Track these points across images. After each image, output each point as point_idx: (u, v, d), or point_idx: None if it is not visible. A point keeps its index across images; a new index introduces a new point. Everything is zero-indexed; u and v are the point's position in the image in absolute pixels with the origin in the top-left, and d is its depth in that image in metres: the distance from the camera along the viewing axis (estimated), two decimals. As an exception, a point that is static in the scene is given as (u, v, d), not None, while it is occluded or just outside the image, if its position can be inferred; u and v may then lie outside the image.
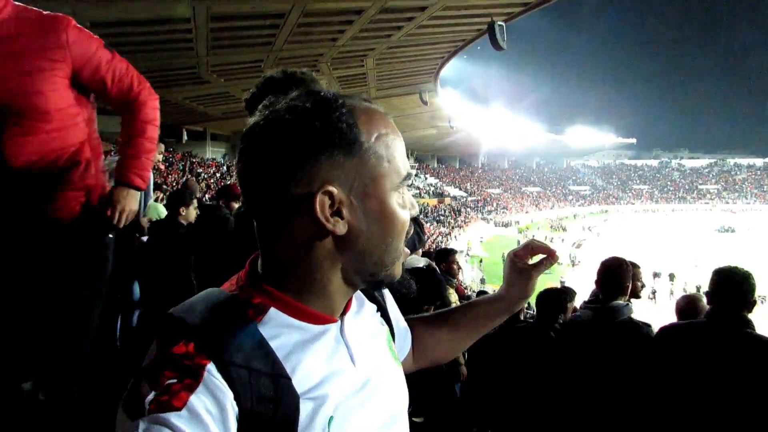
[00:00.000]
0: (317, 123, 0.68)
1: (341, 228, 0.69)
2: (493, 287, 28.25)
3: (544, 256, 1.04)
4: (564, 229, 59.70)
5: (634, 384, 2.70)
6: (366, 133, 0.70)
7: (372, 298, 0.92)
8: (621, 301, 2.90)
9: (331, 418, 0.67)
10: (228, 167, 35.49)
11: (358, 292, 0.87)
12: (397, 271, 0.77)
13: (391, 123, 0.75)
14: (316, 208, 0.67)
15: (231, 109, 29.00)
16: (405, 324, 1.06)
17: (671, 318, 3.36)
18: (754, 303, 2.47)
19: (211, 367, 0.61)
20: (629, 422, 2.70)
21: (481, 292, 7.70)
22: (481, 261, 39.38)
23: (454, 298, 4.66)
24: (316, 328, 0.73)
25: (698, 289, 28.22)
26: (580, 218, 72.96)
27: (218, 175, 32.68)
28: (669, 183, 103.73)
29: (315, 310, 0.73)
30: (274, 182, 0.69)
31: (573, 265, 40.08)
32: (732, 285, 2.47)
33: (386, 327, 0.91)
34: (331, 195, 0.68)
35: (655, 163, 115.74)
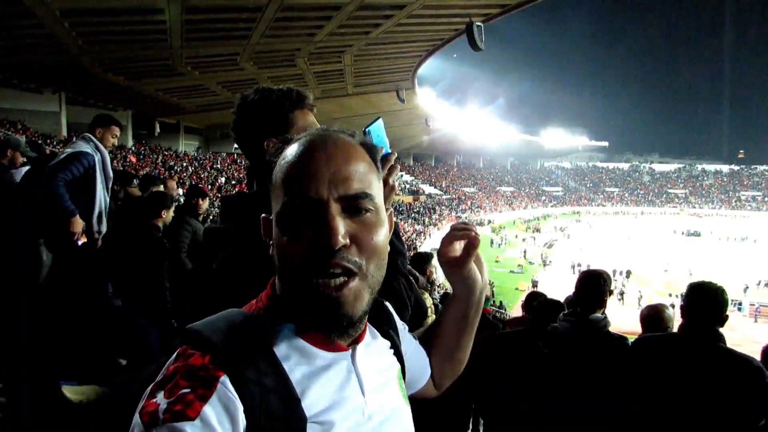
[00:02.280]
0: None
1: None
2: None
3: (466, 241, 0.98)
4: (538, 231, 60.48)
5: (612, 395, 2.74)
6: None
7: (386, 335, 0.91)
8: (599, 315, 2.93)
9: None
10: (201, 161, 34.98)
11: (372, 327, 0.86)
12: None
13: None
14: None
15: (205, 102, 28.63)
16: (424, 352, 1.06)
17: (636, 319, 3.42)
18: (726, 318, 2.52)
19: (225, 379, 0.62)
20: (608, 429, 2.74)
21: (445, 295, 7.71)
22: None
23: (429, 302, 4.67)
24: (328, 355, 0.73)
25: (670, 295, 29.04)
26: (552, 219, 74.04)
27: (191, 169, 32.18)
28: (639, 186, 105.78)
29: (326, 336, 0.74)
30: None
31: (544, 265, 40.67)
32: (705, 300, 2.51)
33: (398, 364, 0.90)
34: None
35: (626, 166, 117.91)
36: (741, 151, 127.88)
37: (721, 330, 2.54)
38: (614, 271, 35.07)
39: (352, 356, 0.76)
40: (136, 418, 0.60)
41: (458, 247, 0.99)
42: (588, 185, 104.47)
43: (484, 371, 3.10)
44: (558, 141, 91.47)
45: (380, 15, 16.24)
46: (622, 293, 30.61)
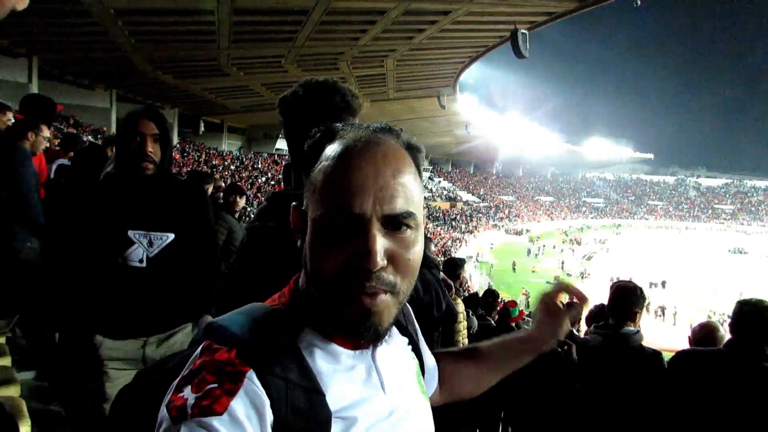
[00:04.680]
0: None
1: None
2: (500, 294, 28.06)
3: (575, 299, 1.02)
4: (578, 243, 59.24)
5: (645, 411, 2.67)
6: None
7: (404, 331, 0.91)
8: (632, 327, 2.88)
9: None
10: (242, 160, 35.65)
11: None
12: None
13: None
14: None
15: (249, 103, 29.19)
16: (434, 361, 1.05)
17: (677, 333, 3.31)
18: None
19: (251, 374, 0.63)
20: None
21: (489, 291, 7.53)
22: (491, 267, 39.21)
23: (461, 307, 4.64)
24: (349, 352, 0.74)
25: (713, 314, 28.00)
26: (592, 230, 72.44)
27: (233, 167, 32.85)
28: (684, 200, 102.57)
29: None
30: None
31: (582, 278, 39.79)
32: (755, 317, 2.44)
33: (416, 361, 0.91)
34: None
35: (671, 179, 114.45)
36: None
37: None
38: (650, 284, 34.60)
39: (373, 353, 0.76)
40: (163, 411, 0.61)
41: (563, 298, 1.03)
42: (631, 198, 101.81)
43: (514, 379, 3.06)
44: (601, 152, 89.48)
45: (424, 20, 16.25)
46: (663, 309, 29.66)
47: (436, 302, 1.38)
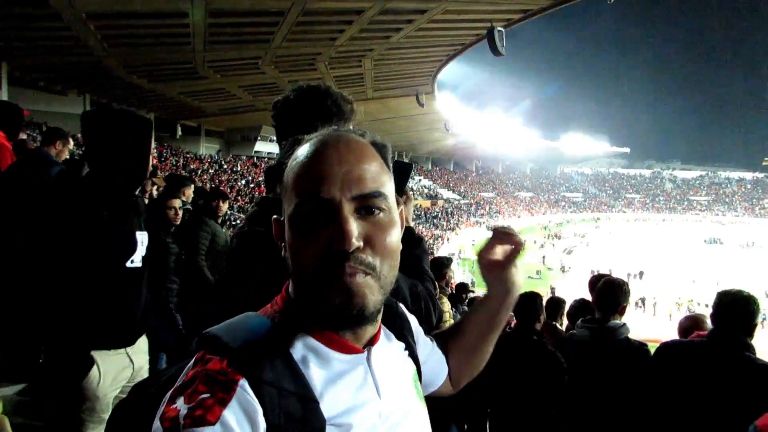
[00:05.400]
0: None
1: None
2: (483, 290, 28.25)
3: (510, 245, 1.00)
4: (557, 237, 59.96)
5: (633, 403, 2.71)
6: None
7: (401, 337, 0.91)
8: (618, 321, 2.92)
9: None
10: (221, 163, 35.31)
11: (386, 330, 0.86)
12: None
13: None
14: None
15: (227, 106, 28.91)
16: (440, 353, 1.07)
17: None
18: (755, 327, 2.48)
19: (243, 382, 0.62)
20: None
21: (472, 300, 7.67)
22: (473, 264, 39.38)
23: (447, 306, 4.66)
24: (343, 357, 0.73)
25: (692, 304, 28.56)
26: (572, 225, 73.35)
27: (212, 171, 32.52)
28: (660, 193, 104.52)
29: (341, 337, 0.73)
30: None
31: (563, 272, 40.26)
32: (735, 308, 2.48)
33: (413, 366, 0.91)
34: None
35: (647, 172, 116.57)
36: (765, 159, 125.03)
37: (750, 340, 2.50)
38: (628, 275, 35.42)
39: (368, 358, 0.76)
40: (157, 423, 0.60)
41: (500, 250, 1.01)
42: (608, 191, 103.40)
43: (498, 374, 3.08)
44: (578, 147, 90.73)
45: (401, 19, 16.25)
46: (643, 300, 30.20)
47: (425, 315, 1.37)
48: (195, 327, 3.71)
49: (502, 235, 1.00)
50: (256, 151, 39.12)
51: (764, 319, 25.51)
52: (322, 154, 0.69)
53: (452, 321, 4.87)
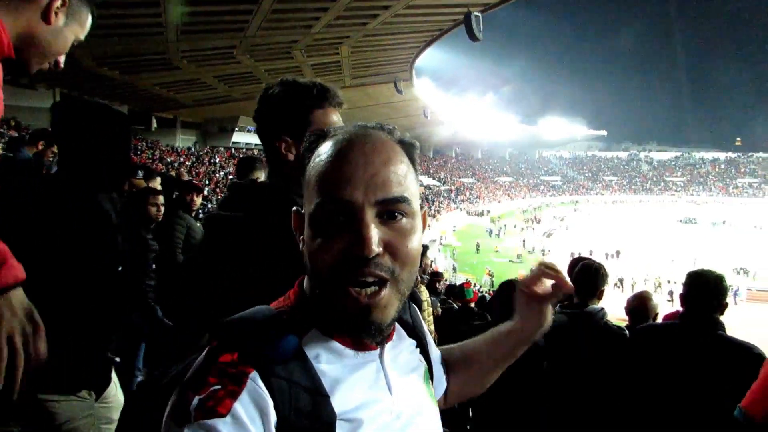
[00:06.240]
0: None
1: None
2: (465, 275, 28.52)
3: (554, 282, 0.96)
4: (538, 221, 60.64)
5: (612, 386, 2.74)
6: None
7: (412, 333, 0.90)
8: (596, 306, 2.94)
9: None
10: (198, 156, 34.83)
11: (399, 327, 0.86)
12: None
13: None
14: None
15: (202, 97, 28.46)
16: (442, 370, 1.05)
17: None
18: (725, 306, 2.54)
19: (254, 375, 0.63)
20: (608, 421, 2.73)
21: (451, 286, 7.75)
22: (454, 250, 39.69)
23: (425, 295, 4.68)
24: (356, 354, 0.74)
25: (669, 283, 29.25)
26: (551, 208, 74.22)
27: (188, 163, 32.06)
28: (637, 175, 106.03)
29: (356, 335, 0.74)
30: None
31: (544, 255, 40.73)
32: (705, 288, 2.52)
33: (424, 364, 0.90)
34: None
35: (624, 155, 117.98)
36: (738, 139, 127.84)
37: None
38: (606, 255, 36.71)
39: (380, 356, 0.76)
40: (168, 415, 0.61)
41: (546, 285, 0.97)
42: (587, 174, 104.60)
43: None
44: (556, 131, 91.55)
45: (378, 5, 16.10)
46: (621, 280, 30.76)
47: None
48: (172, 318, 3.66)
49: (548, 271, 0.96)
50: (233, 143, 38.63)
51: (735, 294, 26.45)
52: (347, 155, 0.68)
53: (431, 309, 4.89)
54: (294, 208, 0.77)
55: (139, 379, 3.96)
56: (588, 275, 2.99)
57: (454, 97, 56.81)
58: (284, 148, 1.33)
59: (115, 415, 1.92)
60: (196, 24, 15.78)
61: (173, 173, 23.07)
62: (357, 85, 28.39)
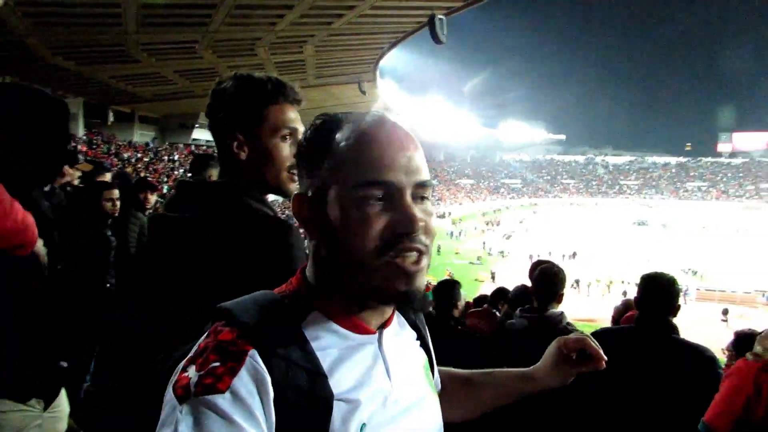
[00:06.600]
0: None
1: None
2: (428, 278, 28.67)
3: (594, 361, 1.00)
4: (498, 223, 61.57)
5: (573, 392, 2.77)
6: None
7: (413, 325, 0.93)
8: (556, 310, 2.96)
9: (364, 425, 0.69)
10: (156, 152, 33.93)
11: (401, 317, 0.89)
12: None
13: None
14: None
15: (162, 91, 27.70)
16: (438, 378, 1.05)
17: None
18: (678, 308, 2.59)
19: (253, 353, 0.64)
20: (566, 425, 2.77)
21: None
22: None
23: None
24: (355, 337, 0.75)
25: (623, 284, 30.12)
26: (511, 210, 75.52)
27: (146, 159, 31.20)
28: (594, 178, 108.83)
29: (358, 318, 0.76)
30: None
31: (503, 256, 41.42)
32: (659, 291, 2.57)
33: (425, 355, 0.92)
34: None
35: (582, 159, 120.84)
36: (688, 144, 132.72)
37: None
38: (563, 256, 37.57)
39: (379, 340, 0.78)
40: (169, 391, 0.63)
41: (581, 354, 1.00)
42: (546, 178, 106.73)
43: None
44: (517, 134, 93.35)
45: (343, 5, 16.05)
46: (577, 281, 31.51)
47: None
48: (131, 317, 3.56)
49: (592, 346, 0.99)
50: (194, 139, 37.76)
51: (685, 294, 27.49)
52: (386, 139, 0.72)
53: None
54: (296, 193, 0.78)
55: (86, 385, 3.83)
56: (547, 279, 2.98)
57: (417, 99, 57.09)
58: (236, 146, 1.27)
59: (62, 426, 1.82)
60: (156, 16, 15.37)
61: (129, 169, 22.40)
62: (321, 84, 28.20)
